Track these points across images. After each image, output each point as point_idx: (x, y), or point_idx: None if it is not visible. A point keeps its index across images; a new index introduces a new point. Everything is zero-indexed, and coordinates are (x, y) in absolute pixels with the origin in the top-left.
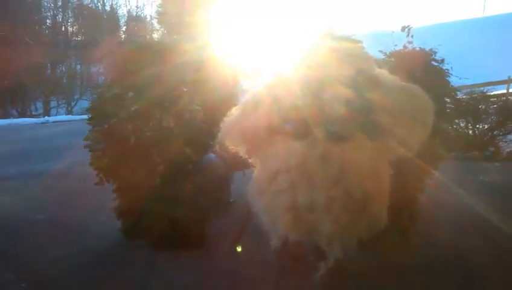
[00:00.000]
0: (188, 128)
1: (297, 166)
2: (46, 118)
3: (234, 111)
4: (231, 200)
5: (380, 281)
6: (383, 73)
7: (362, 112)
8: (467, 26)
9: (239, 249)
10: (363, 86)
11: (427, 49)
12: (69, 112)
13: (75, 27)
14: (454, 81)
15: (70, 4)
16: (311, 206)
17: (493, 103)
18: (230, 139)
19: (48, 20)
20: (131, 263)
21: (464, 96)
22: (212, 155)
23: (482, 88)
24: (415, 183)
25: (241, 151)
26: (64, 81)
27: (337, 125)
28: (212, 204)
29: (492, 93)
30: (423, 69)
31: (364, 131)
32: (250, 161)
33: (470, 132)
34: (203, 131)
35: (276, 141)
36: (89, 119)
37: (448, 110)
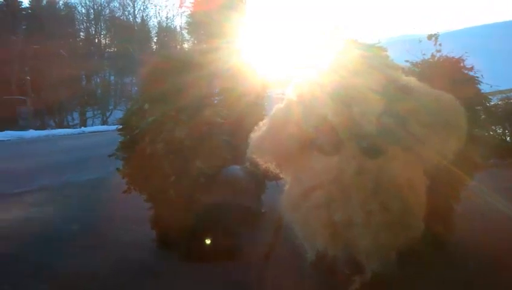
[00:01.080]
0: (203, 141)
1: (333, 181)
2: (82, 128)
3: (263, 125)
4: (263, 211)
5: None
6: (413, 81)
7: (395, 124)
8: (497, 30)
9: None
10: (394, 96)
11: (456, 57)
12: (104, 122)
13: (107, 39)
14: (485, 88)
15: (102, 17)
16: (349, 222)
17: None
18: (260, 154)
19: (81, 33)
20: (162, 274)
21: (499, 102)
22: (236, 167)
23: None
24: (450, 193)
25: (271, 166)
26: (99, 92)
27: (370, 138)
28: (240, 216)
29: None
30: (452, 78)
31: (398, 143)
32: (280, 174)
33: (508, 138)
34: (220, 144)
35: (309, 156)
36: (119, 130)
37: (482, 117)
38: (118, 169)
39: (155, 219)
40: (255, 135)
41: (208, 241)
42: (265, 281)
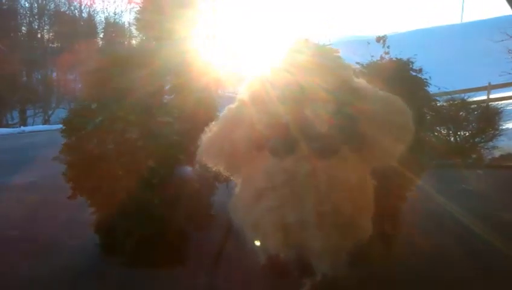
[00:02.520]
0: (154, 141)
1: (285, 183)
2: (22, 128)
3: (213, 127)
4: (212, 213)
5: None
6: (363, 83)
7: (344, 126)
8: (445, 33)
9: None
10: (343, 97)
11: (405, 59)
12: (46, 122)
13: (51, 34)
14: (434, 90)
15: (46, 11)
16: (301, 224)
17: (474, 109)
18: (210, 156)
19: (23, 27)
20: (107, 280)
21: (445, 104)
22: (187, 168)
23: (463, 95)
24: (397, 193)
25: (221, 168)
26: (41, 89)
27: (323, 139)
28: (188, 218)
29: (472, 100)
30: (401, 80)
31: (349, 144)
32: (230, 177)
33: (452, 139)
34: (173, 144)
35: (261, 157)
36: (62, 131)
37: (428, 118)
38: (63, 173)
39: (99, 223)
40: (205, 137)
41: (155, 244)
42: (215, 284)
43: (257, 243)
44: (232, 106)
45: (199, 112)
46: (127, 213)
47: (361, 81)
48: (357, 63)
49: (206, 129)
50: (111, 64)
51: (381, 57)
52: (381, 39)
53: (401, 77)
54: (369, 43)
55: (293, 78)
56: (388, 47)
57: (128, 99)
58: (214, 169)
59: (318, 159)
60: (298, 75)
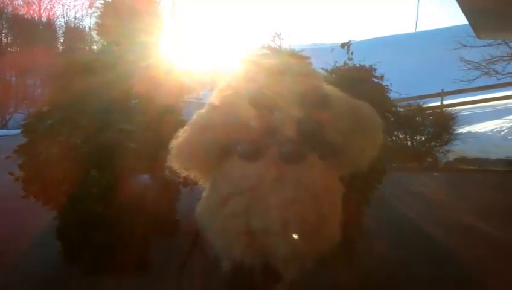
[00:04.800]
0: (103, 148)
1: (251, 189)
2: None
3: (183, 132)
4: (177, 218)
5: None
6: (332, 90)
7: (313, 132)
8: (401, 41)
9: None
10: (313, 104)
11: (367, 65)
12: (4, 126)
13: (9, 38)
14: (394, 96)
15: (4, 14)
16: (266, 230)
17: (429, 115)
18: (179, 162)
19: None
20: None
21: (401, 109)
22: (144, 176)
23: (418, 101)
24: (361, 198)
25: (191, 173)
26: None
27: (288, 146)
28: (151, 225)
29: (428, 106)
30: (364, 86)
31: (317, 150)
32: (199, 182)
33: (409, 143)
34: (127, 153)
35: (229, 162)
36: (21, 133)
37: (388, 124)
38: (9, 172)
39: (59, 230)
40: (175, 142)
41: (115, 252)
42: None
43: (222, 249)
44: (202, 110)
45: (164, 118)
46: (80, 221)
47: (330, 88)
48: (322, 68)
49: (176, 135)
50: (71, 69)
51: (345, 63)
52: (346, 45)
53: (364, 82)
54: (333, 50)
55: (261, 84)
56: (352, 53)
57: (84, 103)
58: (183, 174)
59: (285, 164)
60: (266, 81)
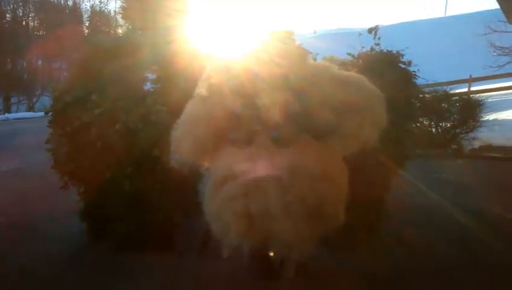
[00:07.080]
0: (154, 129)
1: (244, 173)
2: (7, 115)
3: (178, 123)
4: (199, 200)
5: (350, 281)
6: (321, 65)
7: (300, 113)
8: (430, 26)
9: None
10: (298, 84)
11: (394, 51)
12: (31, 109)
13: (36, 22)
14: (421, 82)
15: None
16: (266, 213)
17: (455, 101)
18: (181, 153)
19: (7, 15)
20: (97, 266)
21: (427, 96)
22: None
23: (445, 87)
24: (382, 183)
25: (195, 161)
26: (25, 76)
27: (277, 130)
28: (176, 205)
29: (454, 92)
30: (390, 72)
31: (308, 132)
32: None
33: (434, 130)
34: (169, 132)
35: (223, 149)
36: (50, 122)
37: (413, 110)
38: (52, 167)
39: (87, 211)
40: (174, 132)
41: (144, 230)
42: (202, 271)
43: (218, 233)
44: (193, 101)
45: (187, 101)
46: (129, 200)
47: (318, 64)
48: (348, 54)
49: (175, 125)
50: (100, 53)
51: (372, 49)
52: (373, 30)
53: (390, 68)
54: (360, 34)
55: (248, 68)
56: (379, 38)
57: (120, 89)
58: (188, 163)
59: (277, 148)
60: (253, 65)
